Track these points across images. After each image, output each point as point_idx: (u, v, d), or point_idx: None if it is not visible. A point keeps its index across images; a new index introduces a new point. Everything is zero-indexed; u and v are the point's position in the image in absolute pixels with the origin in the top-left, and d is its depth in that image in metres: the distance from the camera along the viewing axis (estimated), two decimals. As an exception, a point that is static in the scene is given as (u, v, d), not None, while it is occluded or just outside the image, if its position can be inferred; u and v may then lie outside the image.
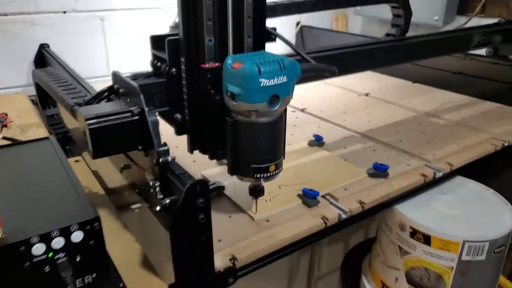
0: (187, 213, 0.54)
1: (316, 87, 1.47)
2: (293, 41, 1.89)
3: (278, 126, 0.63)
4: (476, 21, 1.58)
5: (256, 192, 0.69)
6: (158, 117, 0.65)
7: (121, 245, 0.69)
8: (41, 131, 0.94)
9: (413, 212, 0.82)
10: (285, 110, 0.66)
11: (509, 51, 1.27)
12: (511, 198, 0.89)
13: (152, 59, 0.70)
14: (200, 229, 0.56)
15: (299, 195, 0.77)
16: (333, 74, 0.72)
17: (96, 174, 0.93)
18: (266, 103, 0.59)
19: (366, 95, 1.39)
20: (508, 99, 1.28)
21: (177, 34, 0.65)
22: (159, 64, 0.68)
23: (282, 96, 0.60)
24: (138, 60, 1.54)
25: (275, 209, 0.74)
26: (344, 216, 0.75)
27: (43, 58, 1.34)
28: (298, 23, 1.89)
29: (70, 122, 1.03)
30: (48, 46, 1.39)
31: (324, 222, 0.72)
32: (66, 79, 0.83)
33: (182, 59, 0.64)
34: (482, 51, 1.34)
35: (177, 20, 0.66)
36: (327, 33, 1.80)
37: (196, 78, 0.65)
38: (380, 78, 1.59)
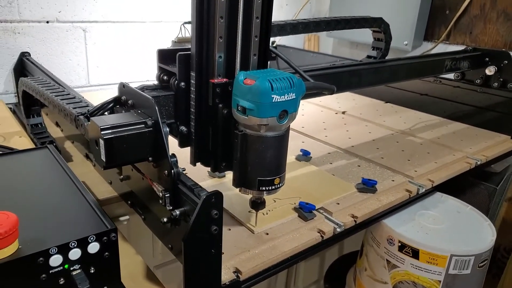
0: (202, 225, 0.55)
1: (295, 104, 1.51)
2: (269, 58, 1.94)
3: (284, 140, 0.65)
4: (441, 47, 1.69)
5: (257, 204, 0.70)
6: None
7: (123, 257, 0.67)
8: (25, 140, 0.90)
9: (401, 227, 0.86)
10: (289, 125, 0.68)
11: (475, 76, 1.37)
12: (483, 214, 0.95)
13: (158, 73, 0.70)
14: (212, 241, 0.57)
15: (294, 209, 0.79)
16: (331, 92, 0.75)
17: (84, 184, 0.90)
18: (276, 118, 0.61)
19: (343, 113, 1.44)
20: (475, 120, 1.38)
21: (185, 49, 0.66)
22: (165, 77, 0.69)
23: (290, 112, 0.62)
24: (120, 72, 1.54)
25: (272, 222, 0.75)
26: (338, 229, 0.77)
27: (23, 66, 1.30)
28: (273, 42, 1.94)
29: (55, 132, 1.00)
30: (29, 54, 1.35)
31: (321, 235, 0.74)
32: (60, 88, 0.80)
33: (192, 74, 0.65)
34: (451, 75, 1.43)
35: (180, 35, 0.68)
36: (301, 52, 1.86)
37: (204, 92, 0.66)
38: (354, 97, 1.65)
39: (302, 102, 1.58)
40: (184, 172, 0.61)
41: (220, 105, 0.65)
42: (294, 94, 0.61)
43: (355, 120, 1.37)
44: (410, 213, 0.92)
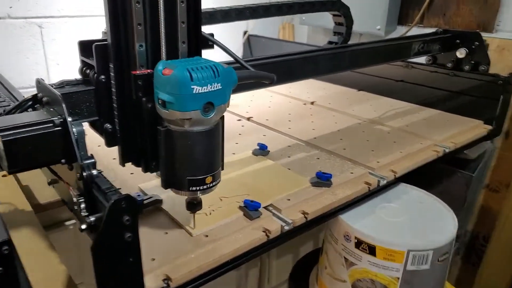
0: (112, 232, 0.50)
1: (263, 95, 1.46)
2: (240, 50, 1.88)
3: (214, 135, 0.60)
4: (416, 31, 1.64)
5: (194, 206, 0.65)
6: (88, 128, 0.60)
7: (43, 267, 0.62)
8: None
9: (358, 222, 0.81)
10: (222, 118, 0.63)
11: (446, 60, 1.32)
12: (452, 205, 0.91)
13: (80, 66, 0.65)
14: (127, 249, 0.52)
15: (240, 207, 0.74)
16: (271, 82, 0.70)
17: (26, 189, 0.85)
18: (200, 111, 0.55)
19: (312, 103, 1.39)
20: (447, 106, 1.33)
21: (103, 40, 0.60)
22: (88, 71, 0.63)
23: (217, 104, 0.57)
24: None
25: (215, 223, 0.70)
26: (287, 227, 0.73)
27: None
28: (245, 32, 1.88)
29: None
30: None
31: (266, 234, 0.70)
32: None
33: (111, 65, 0.59)
34: (423, 60, 1.38)
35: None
36: (274, 42, 1.80)
37: (126, 85, 0.61)
38: (326, 87, 1.60)
39: (270, 93, 1.54)
40: (101, 173, 0.56)
41: (144, 99, 0.59)
42: (219, 84, 0.56)
43: (323, 110, 1.32)
44: (370, 207, 0.87)
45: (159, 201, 0.74)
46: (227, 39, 1.89)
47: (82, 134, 0.58)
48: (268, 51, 1.80)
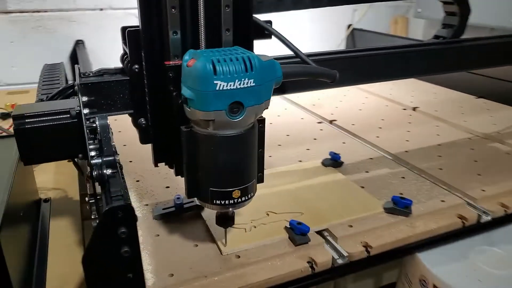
0: (104, 245, 0.43)
1: (356, 95, 1.30)
2: (342, 45, 1.72)
3: (245, 142, 0.49)
4: None
5: (223, 220, 0.56)
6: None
7: (66, 263, 0.59)
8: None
9: (440, 266, 0.63)
10: (262, 122, 0.52)
11: None
12: None
13: (122, 54, 0.60)
14: (124, 265, 0.45)
15: (286, 228, 0.62)
16: (332, 80, 0.56)
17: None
18: (225, 111, 0.46)
19: (414, 109, 1.18)
20: None
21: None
22: (125, 60, 0.58)
23: (248, 105, 0.46)
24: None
25: (252, 242, 0.60)
26: (340, 261, 0.59)
27: (77, 54, 1.33)
28: (349, 26, 1.72)
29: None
30: (83, 42, 1.37)
31: (312, 266, 0.57)
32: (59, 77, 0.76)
33: (143, 54, 0.53)
34: None
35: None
36: (382, 37, 1.60)
37: (159, 77, 0.54)
38: (437, 90, 1.36)
39: (365, 93, 1.37)
40: (118, 173, 0.50)
41: (175, 93, 0.52)
42: (252, 80, 0.45)
43: (425, 119, 1.11)
44: (463, 248, 0.68)
45: (198, 207, 0.67)
46: (327, 33, 1.75)
47: (105, 128, 0.52)
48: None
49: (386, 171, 0.82)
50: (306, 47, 0.63)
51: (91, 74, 0.58)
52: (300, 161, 0.86)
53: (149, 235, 0.62)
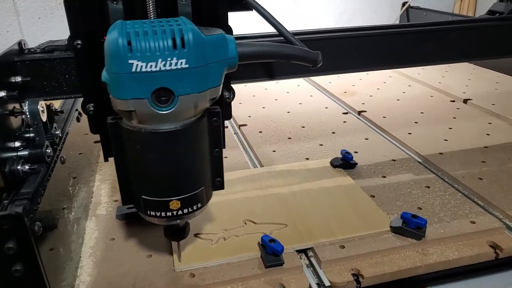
0: (-10, 262, 0.35)
1: (398, 83, 1.13)
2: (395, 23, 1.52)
3: (184, 140, 0.39)
4: None
5: (172, 233, 0.46)
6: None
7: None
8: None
9: (456, 308, 0.49)
10: (214, 114, 0.41)
11: None
12: None
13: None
14: (20, 286, 0.37)
15: (259, 244, 0.51)
16: (313, 64, 0.43)
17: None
18: (148, 100, 0.35)
19: (465, 101, 0.99)
20: None
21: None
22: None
23: (180, 93, 0.36)
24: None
25: (215, 258, 0.50)
26: (319, 292, 0.47)
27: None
28: (404, 3, 1.51)
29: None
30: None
31: (281, 296, 0.46)
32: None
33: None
34: None
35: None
36: (441, 16, 1.38)
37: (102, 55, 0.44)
38: (501, 79, 1.14)
39: (408, 80, 1.21)
40: (38, 168, 0.42)
41: (113, 76, 0.42)
42: (183, 60, 0.35)
43: (476, 113, 0.92)
44: (494, 285, 0.52)
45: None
46: (379, 11, 1.56)
47: (35, 114, 0.45)
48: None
49: (409, 177, 0.67)
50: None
51: (38, 50, 0.50)
52: (307, 159, 0.73)
53: (103, 238, 0.54)
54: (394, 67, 0.62)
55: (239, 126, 0.88)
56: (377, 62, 0.59)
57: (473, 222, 0.56)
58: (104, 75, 0.36)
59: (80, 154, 0.66)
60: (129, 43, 0.34)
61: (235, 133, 0.87)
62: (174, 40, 0.34)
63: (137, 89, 0.35)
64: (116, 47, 0.34)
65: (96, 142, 0.75)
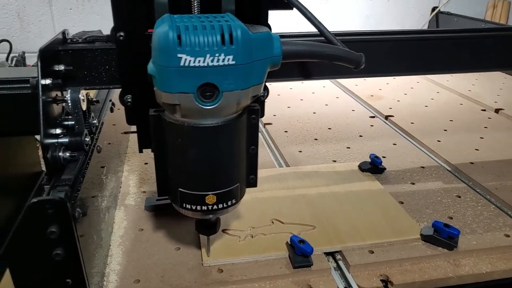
0: (29, 245, 0.36)
1: (426, 89, 1.11)
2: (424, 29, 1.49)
3: (224, 136, 0.39)
4: None
5: (204, 227, 0.46)
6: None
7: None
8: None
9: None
10: (254, 112, 0.41)
11: None
12: None
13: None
14: (59, 270, 0.37)
15: (288, 244, 0.51)
16: (356, 66, 0.43)
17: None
18: (194, 95, 0.35)
19: (496, 111, 0.97)
20: None
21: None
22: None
23: (225, 89, 0.36)
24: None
25: (243, 255, 0.50)
26: (347, 296, 0.47)
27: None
28: (434, 8, 1.48)
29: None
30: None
31: (308, 298, 0.46)
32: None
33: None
34: None
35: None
36: (472, 22, 1.36)
37: (145, 48, 0.45)
38: (534, 91, 1.12)
39: (437, 87, 1.20)
40: (75, 155, 0.43)
41: (156, 68, 0.43)
42: (231, 57, 0.35)
43: (509, 124, 0.90)
44: (525, 301, 0.51)
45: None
46: (408, 15, 1.54)
47: (76, 103, 0.45)
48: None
49: (439, 185, 0.66)
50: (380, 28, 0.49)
51: (79, 40, 0.51)
52: (334, 161, 0.73)
53: (132, 228, 0.55)
54: (426, 73, 0.61)
55: (264, 124, 0.88)
56: (408, 67, 0.58)
57: (508, 236, 0.55)
58: (151, 67, 0.37)
59: (109, 144, 0.67)
60: (179, 37, 0.34)
61: (260, 132, 0.87)
62: (222, 36, 0.34)
63: (183, 83, 0.35)
64: (166, 40, 0.34)
65: (125, 133, 0.76)
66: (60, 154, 0.41)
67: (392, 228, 0.55)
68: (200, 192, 0.40)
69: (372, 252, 0.51)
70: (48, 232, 0.35)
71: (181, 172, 0.40)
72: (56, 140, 0.42)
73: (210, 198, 0.40)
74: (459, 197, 0.63)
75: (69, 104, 0.45)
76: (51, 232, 0.35)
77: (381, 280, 0.48)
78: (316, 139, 0.81)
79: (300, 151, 0.76)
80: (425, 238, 0.53)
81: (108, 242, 0.52)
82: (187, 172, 0.40)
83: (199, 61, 0.34)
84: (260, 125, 0.89)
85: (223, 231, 0.53)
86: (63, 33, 0.48)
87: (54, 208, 0.35)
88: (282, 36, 0.51)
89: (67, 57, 0.47)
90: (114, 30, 0.46)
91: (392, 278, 0.48)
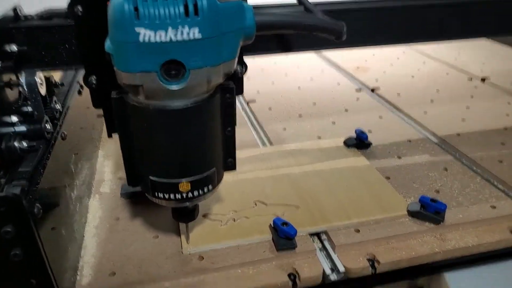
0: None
1: (412, 59, 1.08)
2: None
3: (194, 118, 0.36)
4: None
5: (180, 215, 0.44)
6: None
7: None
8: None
9: (474, 294, 0.47)
10: (228, 90, 0.38)
11: None
12: None
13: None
14: (20, 270, 0.35)
15: (271, 226, 0.49)
16: (337, 36, 0.40)
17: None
18: (157, 74, 0.32)
19: (482, 80, 0.95)
20: None
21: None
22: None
23: (192, 66, 0.32)
24: None
25: (225, 240, 0.48)
26: (333, 277, 0.46)
27: None
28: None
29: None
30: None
31: (293, 281, 0.44)
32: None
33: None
34: None
35: None
36: None
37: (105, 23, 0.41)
38: (520, 57, 1.10)
39: (423, 57, 1.17)
40: (35, 145, 0.40)
41: (117, 47, 0.39)
42: (197, 30, 0.31)
43: (494, 93, 0.89)
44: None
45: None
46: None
47: (32, 86, 0.42)
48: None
49: (425, 158, 0.64)
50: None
51: (34, 17, 0.47)
52: (319, 137, 0.71)
53: (108, 218, 0.52)
54: (411, 42, 0.57)
55: (247, 102, 0.85)
56: (393, 37, 0.55)
57: (494, 207, 0.53)
58: (108, 44, 0.33)
59: (81, 128, 0.63)
60: (136, 9, 0.30)
61: (243, 110, 0.84)
62: (186, 6, 0.31)
63: (144, 61, 0.32)
64: (121, 13, 0.30)
65: (99, 116, 0.72)
66: (16, 144, 0.38)
67: (379, 205, 0.53)
68: (172, 180, 0.38)
69: (358, 231, 0.49)
70: (2, 232, 0.32)
71: (150, 159, 0.38)
72: (11, 129, 0.38)
73: (184, 186, 0.38)
74: (446, 170, 0.61)
75: (25, 88, 0.42)
76: (5, 232, 0.32)
77: (367, 259, 0.46)
78: (301, 115, 0.79)
79: (285, 129, 0.73)
80: (412, 214, 0.51)
81: (81, 233, 0.49)
82: (157, 159, 0.37)
83: (160, 35, 0.31)
84: (244, 104, 0.86)
85: (204, 216, 0.51)
86: (14, 9, 0.44)
87: (7, 206, 0.32)
88: (258, 7, 0.48)
89: (20, 36, 0.42)
90: (71, 4, 0.42)
91: (378, 257, 0.46)
